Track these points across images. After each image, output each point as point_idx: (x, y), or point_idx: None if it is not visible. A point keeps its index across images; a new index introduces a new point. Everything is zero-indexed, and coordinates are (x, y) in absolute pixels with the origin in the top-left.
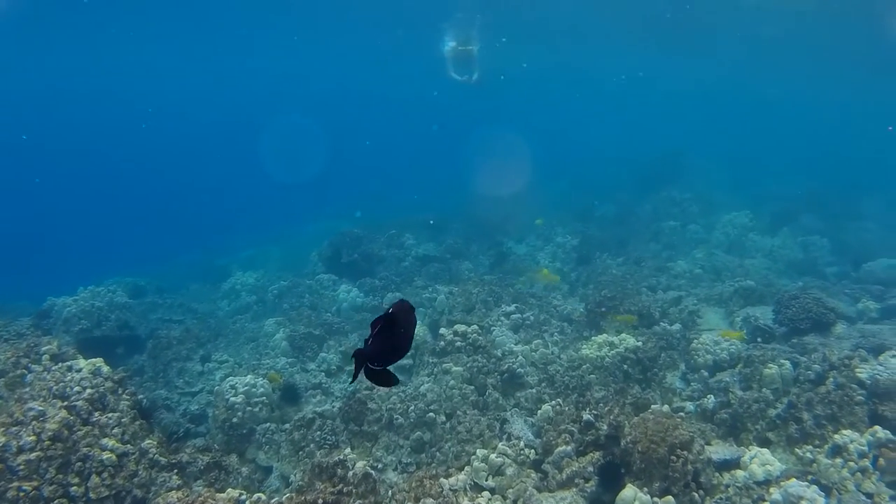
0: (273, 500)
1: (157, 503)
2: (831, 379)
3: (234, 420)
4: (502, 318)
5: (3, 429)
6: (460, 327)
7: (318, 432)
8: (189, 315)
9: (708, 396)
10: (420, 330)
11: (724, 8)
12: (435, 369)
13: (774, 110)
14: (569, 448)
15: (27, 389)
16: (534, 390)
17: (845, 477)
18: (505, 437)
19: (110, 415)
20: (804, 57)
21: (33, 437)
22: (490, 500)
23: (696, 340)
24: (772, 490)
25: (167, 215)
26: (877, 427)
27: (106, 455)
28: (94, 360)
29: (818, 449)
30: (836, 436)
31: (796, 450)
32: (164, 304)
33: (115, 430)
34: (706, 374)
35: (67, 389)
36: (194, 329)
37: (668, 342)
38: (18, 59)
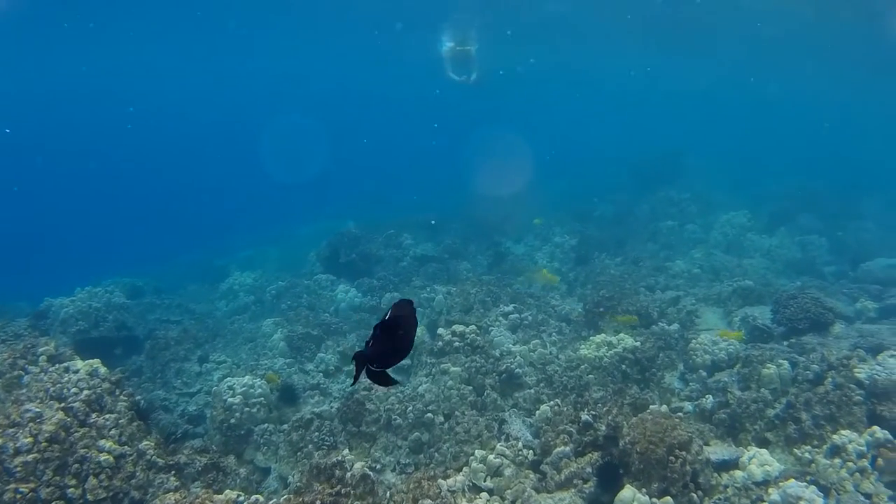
0: (271, 502)
1: None
2: (830, 379)
3: (232, 421)
4: (500, 318)
5: None
6: (458, 327)
7: (317, 433)
8: (187, 315)
9: (706, 396)
10: (418, 330)
11: (724, 8)
12: (433, 370)
13: (774, 110)
14: (567, 449)
15: (24, 391)
16: (532, 391)
17: (844, 477)
18: (503, 437)
19: (107, 416)
20: (804, 56)
21: (30, 439)
22: (488, 501)
23: (694, 340)
24: (770, 491)
25: (165, 215)
26: (875, 427)
27: (103, 456)
28: (91, 361)
29: (817, 449)
30: (834, 436)
31: (795, 450)
32: (161, 305)
33: (113, 432)
34: (704, 374)
35: (64, 391)
36: (192, 329)
37: (667, 342)
38: (18, 59)
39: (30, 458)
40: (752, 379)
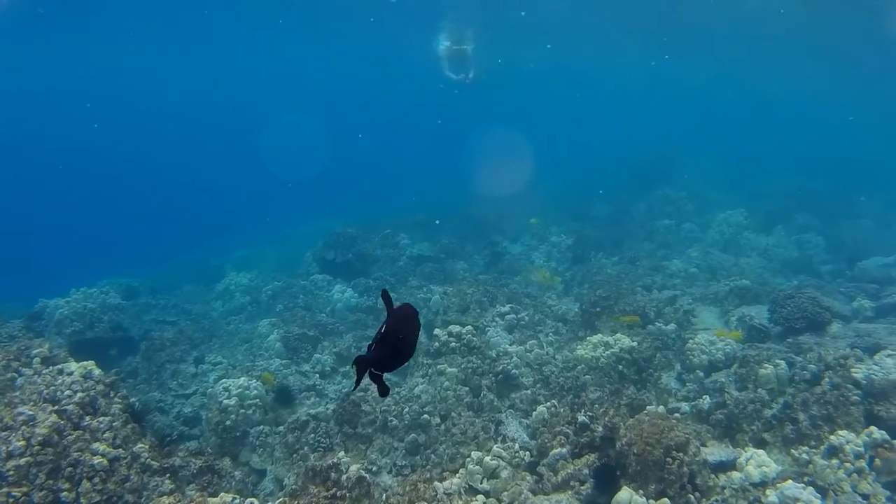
0: None
1: None
2: (827, 379)
3: (228, 423)
4: (497, 318)
5: None
6: (455, 328)
7: (312, 435)
8: (183, 316)
9: (703, 397)
10: None
11: (723, 7)
12: (429, 370)
13: (773, 109)
14: (564, 450)
15: (17, 393)
16: (529, 391)
17: (841, 478)
18: (500, 438)
19: (102, 419)
20: (804, 56)
21: (23, 442)
22: (485, 503)
23: (691, 340)
24: (768, 492)
25: (162, 216)
26: (873, 427)
27: (97, 460)
28: (85, 362)
29: (814, 450)
30: (832, 436)
31: (792, 451)
32: (157, 306)
33: (107, 435)
34: (701, 374)
35: (58, 393)
36: (188, 330)
37: (664, 342)
38: (17, 59)
39: (23, 461)
40: (749, 379)
